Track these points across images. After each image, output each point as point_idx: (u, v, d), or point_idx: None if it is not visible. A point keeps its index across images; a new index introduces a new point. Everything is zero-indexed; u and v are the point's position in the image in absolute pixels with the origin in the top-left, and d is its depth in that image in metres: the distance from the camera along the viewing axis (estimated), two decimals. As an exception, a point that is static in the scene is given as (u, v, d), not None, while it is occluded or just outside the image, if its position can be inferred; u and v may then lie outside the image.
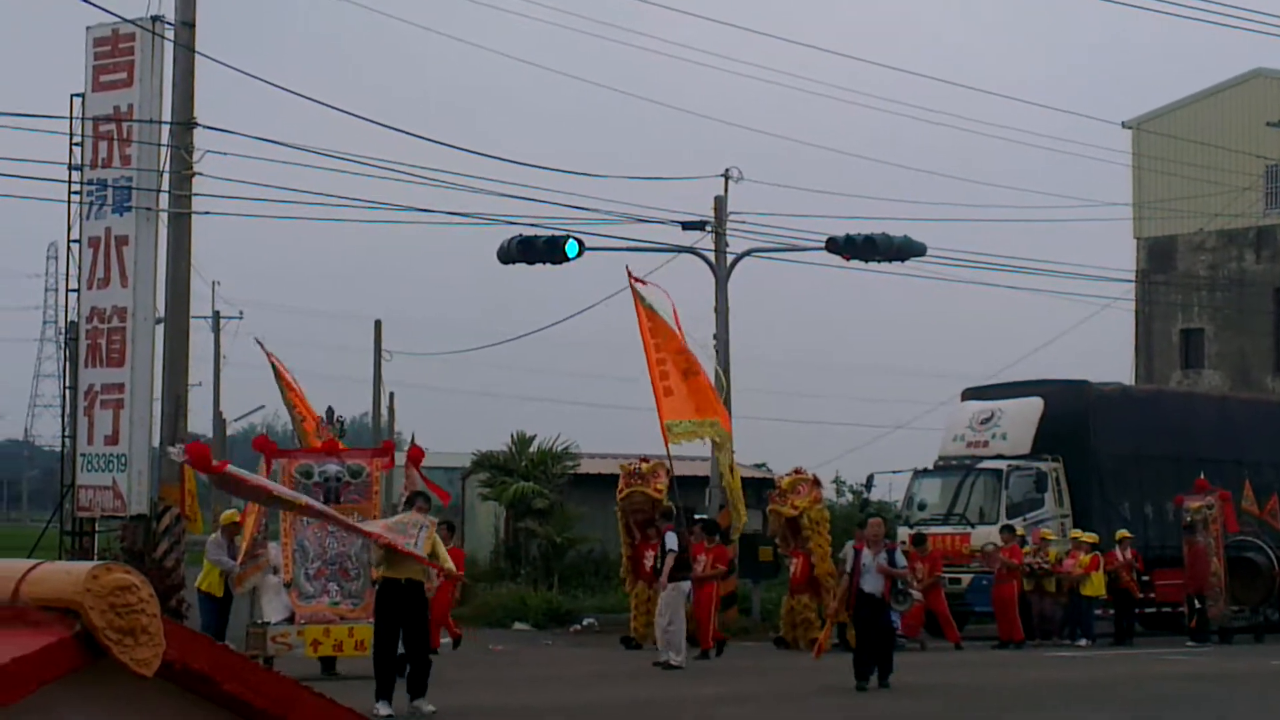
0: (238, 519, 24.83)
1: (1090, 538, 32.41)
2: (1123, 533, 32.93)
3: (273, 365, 27.79)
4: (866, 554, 21.35)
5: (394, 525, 18.45)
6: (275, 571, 23.07)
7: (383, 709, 17.90)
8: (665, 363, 28.13)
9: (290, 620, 22.54)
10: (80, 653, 3.42)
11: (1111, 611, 32.80)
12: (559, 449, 42.72)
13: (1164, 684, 23.37)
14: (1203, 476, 33.19)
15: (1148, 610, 34.56)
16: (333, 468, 22.75)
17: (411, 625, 18.09)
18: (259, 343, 29.32)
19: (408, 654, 18.20)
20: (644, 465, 30.61)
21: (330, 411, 24.15)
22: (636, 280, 28.70)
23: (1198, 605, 32.93)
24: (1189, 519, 32.83)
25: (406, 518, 18.50)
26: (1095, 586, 31.87)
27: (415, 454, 23.00)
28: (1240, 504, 33.62)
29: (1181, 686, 23.10)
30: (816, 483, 30.05)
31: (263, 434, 23.59)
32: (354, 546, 22.34)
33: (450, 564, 19.27)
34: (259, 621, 22.94)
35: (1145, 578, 33.49)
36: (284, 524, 22.71)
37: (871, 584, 21.16)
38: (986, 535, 32.96)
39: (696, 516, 31.17)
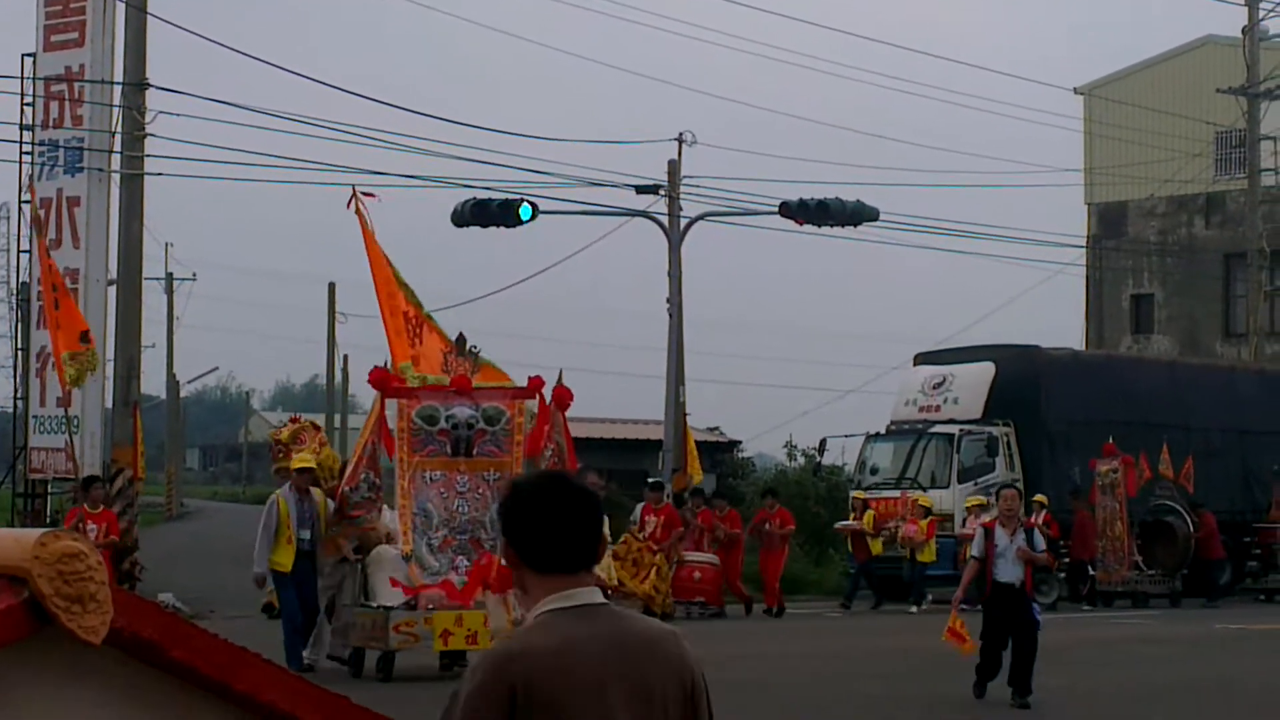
0: (312, 463, 19.36)
1: (927, 501, 32.44)
2: (1039, 498, 32.46)
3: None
4: (1000, 534, 17.08)
5: None
6: (390, 540, 18.41)
7: None
8: (395, 296, 20.62)
9: (413, 606, 17.72)
10: (28, 620, 3.43)
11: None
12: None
13: (1090, 649, 23.60)
14: (1111, 441, 32.83)
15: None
16: (464, 411, 18.01)
17: None
18: None
19: None
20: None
21: (462, 338, 18.87)
22: (366, 194, 20.36)
23: (1091, 571, 32.80)
24: (1100, 482, 32.73)
25: None
26: (930, 553, 31.74)
27: (563, 395, 18.66)
28: (1157, 467, 33.59)
29: (1105, 650, 23.30)
30: None
31: (380, 366, 18.78)
32: (490, 512, 17.60)
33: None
34: (372, 605, 18.09)
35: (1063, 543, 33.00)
36: (401, 482, 18.07)
37: (1008, 572, 16.94)
38: (939, 499, 33.00)
39: (650, 480, 31.27)
